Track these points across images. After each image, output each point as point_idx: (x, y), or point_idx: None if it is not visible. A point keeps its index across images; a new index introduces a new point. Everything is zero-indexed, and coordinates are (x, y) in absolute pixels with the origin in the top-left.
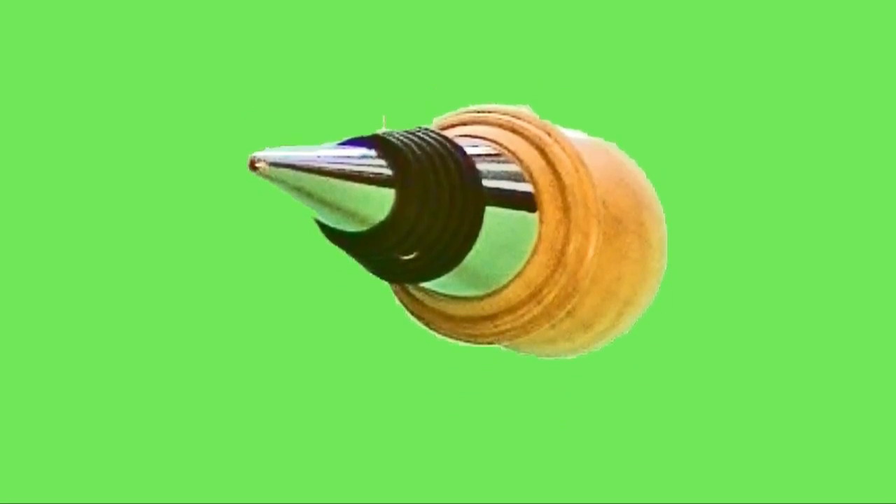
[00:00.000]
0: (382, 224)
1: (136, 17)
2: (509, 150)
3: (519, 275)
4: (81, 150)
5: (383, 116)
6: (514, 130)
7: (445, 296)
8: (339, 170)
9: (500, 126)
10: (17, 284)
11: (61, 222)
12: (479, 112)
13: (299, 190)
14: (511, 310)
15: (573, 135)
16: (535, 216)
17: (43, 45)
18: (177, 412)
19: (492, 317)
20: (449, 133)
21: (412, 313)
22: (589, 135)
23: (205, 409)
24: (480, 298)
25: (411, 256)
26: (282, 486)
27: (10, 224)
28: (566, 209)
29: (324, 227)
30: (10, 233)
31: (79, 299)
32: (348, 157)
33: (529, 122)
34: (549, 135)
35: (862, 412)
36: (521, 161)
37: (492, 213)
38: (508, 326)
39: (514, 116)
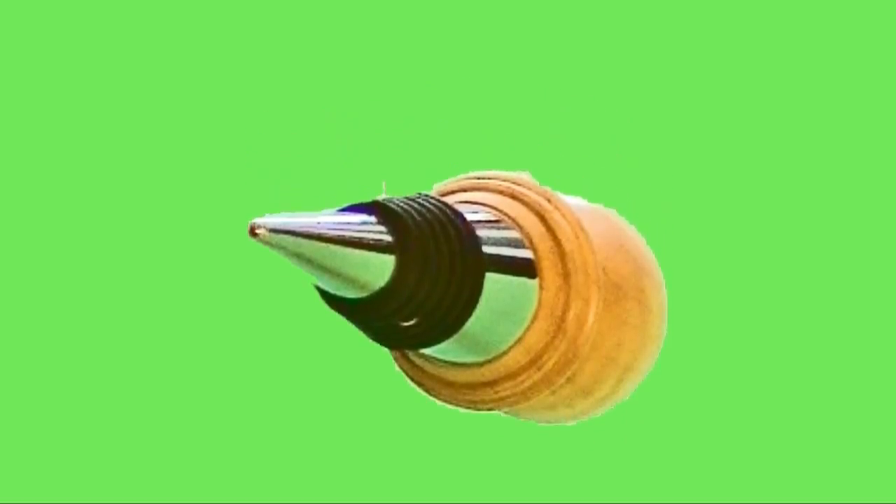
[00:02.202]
0: (382, 290)
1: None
2: (509, 217)
3: (519, 341)
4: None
5: (383, 182)
6: (513, 197)
7: (446, 362)
8: (339, 236)
9: (500, 192)
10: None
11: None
12: (478, 178)
13: (299, 256)
14: (511, 376)
15: (573, 201)
16: (535, 282)
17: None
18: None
19: (492, 383)
20: (449, 199)
21: (412, 380)
22: (589, 201)
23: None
24: (480, 365)
25: (411, 323)
26: None
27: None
28: (566, 275)
29: (324, 294)
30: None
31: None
32: (348, 223)
33: (529, 189)
34: (549, 201)
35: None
36: (521, 227)
37: (492, 280)
38: (508, 393)
39: (513, 183)
